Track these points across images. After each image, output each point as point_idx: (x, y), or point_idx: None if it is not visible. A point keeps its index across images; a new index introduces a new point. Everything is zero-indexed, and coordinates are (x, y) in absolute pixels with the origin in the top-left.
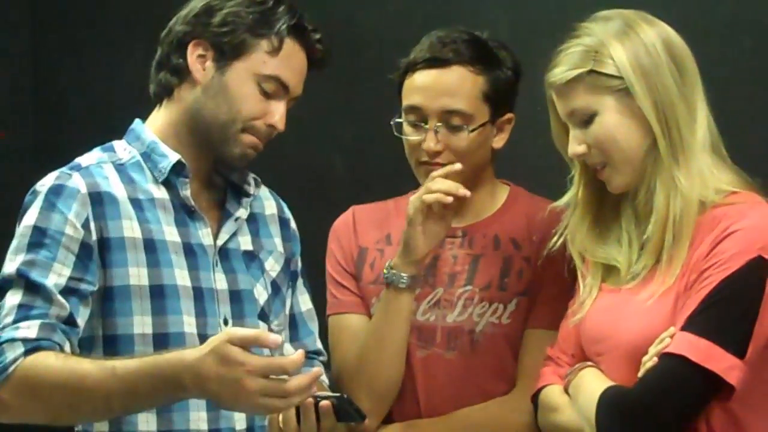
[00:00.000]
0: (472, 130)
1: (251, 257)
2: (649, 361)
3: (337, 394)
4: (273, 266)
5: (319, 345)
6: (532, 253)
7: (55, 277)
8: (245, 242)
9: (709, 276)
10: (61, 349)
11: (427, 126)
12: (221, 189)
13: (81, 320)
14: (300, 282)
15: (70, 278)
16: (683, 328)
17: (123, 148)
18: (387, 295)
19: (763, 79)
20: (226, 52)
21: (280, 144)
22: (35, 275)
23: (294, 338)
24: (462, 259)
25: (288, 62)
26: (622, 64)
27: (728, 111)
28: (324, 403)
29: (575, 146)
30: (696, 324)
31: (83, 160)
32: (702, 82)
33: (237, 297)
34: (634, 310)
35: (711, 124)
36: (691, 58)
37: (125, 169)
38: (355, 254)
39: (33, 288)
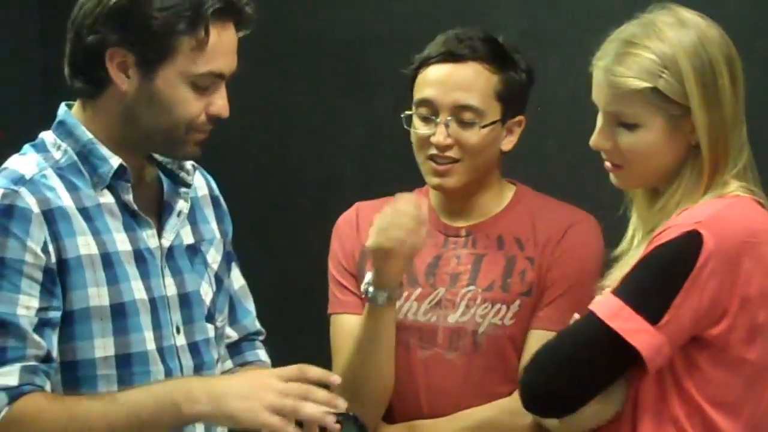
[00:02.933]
0: (483, 127)
1: (194, 251)
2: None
3: (344, 413)
4: (215, 257)
5: (257, 325)
6: (536, 254)
7: (24, 311)
8: (186, 235)
9: (650, 245)
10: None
11: (438, 120)
12: (156, 179)
13: (56, 353)
14: (233, 261)
15: (39, 309)
16: (611, 291)
17: (56, 146)
18: (369, 311)
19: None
20: (150, 58)
21: (290, 146)
22: (3, 313)
23: (233, 321)
24: (465, 258)
25: (217, 50)
26: (692, 93)
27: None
28: (331, 423)
29: (602, 141)
30: (619, 287)
31: (22, 167)
32: None
33: (186, 301)
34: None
35: (745, 140)
36: (741, 71)
37: (65, 174)
38: (356, 253)
39: (4, 327)
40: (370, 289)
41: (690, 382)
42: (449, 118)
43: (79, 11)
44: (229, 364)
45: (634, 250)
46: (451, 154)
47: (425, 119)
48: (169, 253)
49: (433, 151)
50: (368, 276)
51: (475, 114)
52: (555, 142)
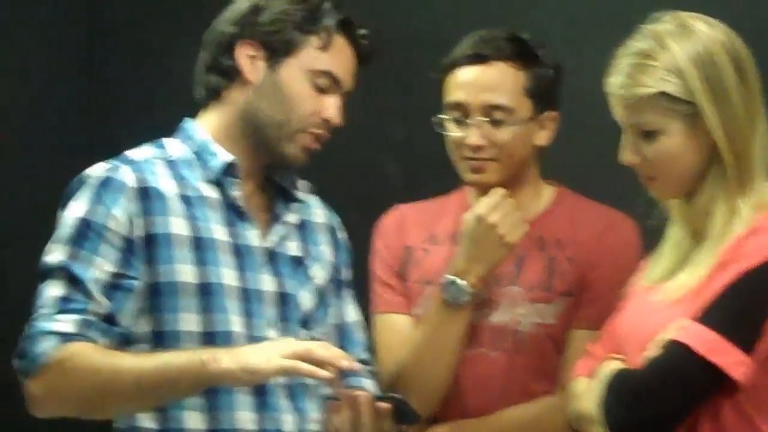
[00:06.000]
0: (515, 125)
1: (298, 263)
2: (654, 346)
3: (393, 395)
4: (320, 274)
5: (367, 355)
6: (576, 254)
7: (98, 273)
8: (293, 247)
9: (729, 269)
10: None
11: (469, 121)
12: (271, 193)
13: (124, 317)
14: (348, 292)
15: (113, 274)
16: (696, 319)
17: (174, 146)
18: (446, 309)
19: None
20: (277, 51)
21: (331, 143)
22: (77, 268)
23: (342, 348)
24: (507, 259)
25: (338, 57)
26: (696, 89)
27: None
28: (382, 404)
29: (629, 155)
30: (708, 316)
31: (134, 153)
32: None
33: (282, 300)
34: (656, 309)
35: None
36: (754, 69)
37: (176, 166)
38: (401, 253)
39: (73, 281)
40: (462, 285)
41: (742, 392)
42: (480, 118)
43: (222, 15)
44: (338, 386)
45: (675, 249)
46: (485, 154)
47: (457, 121)
48: (272, 256)
49: (468, 152)
50: (452, 277)
51: (506, 112)
52: (595, 142)
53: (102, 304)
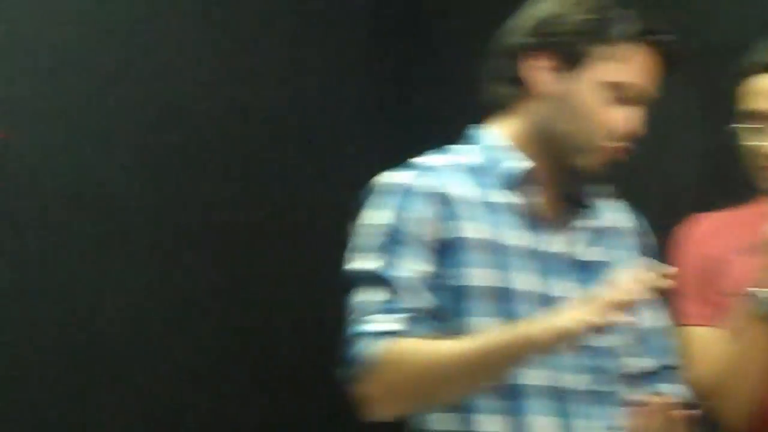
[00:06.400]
0: None
1: (600, 269)
2: None
3: (697, 404)
4: None
5: (673, 360)
6: None
7: (412, 274)
8: (594, 253)
9: None
10: None
11: None
12: (570, 199)
13: (439, 314)
14: (658, 297)
15: (425, 274)
16: None
17: (467, 152)
18: (758, 322)
19: None
20: (571, 63)
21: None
22: (391, 272)
23: (648, 353)
24: None
25: (636, 67)
26: None
27: None
28: (693, 412)
29: None
30: None
31: (427, 160)
32: None
33: None
34: None
35: None
36: None
37: (472, 172)
38: (703, 264)
39: (389, 284)
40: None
41: None
42: None
43: (508, 26)
44: (640, 391)
45: None
46: None
47: (757, 130)
48: (573, 262)
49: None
50: (763, 290)
51: None
52: None
53: (421, 301)
